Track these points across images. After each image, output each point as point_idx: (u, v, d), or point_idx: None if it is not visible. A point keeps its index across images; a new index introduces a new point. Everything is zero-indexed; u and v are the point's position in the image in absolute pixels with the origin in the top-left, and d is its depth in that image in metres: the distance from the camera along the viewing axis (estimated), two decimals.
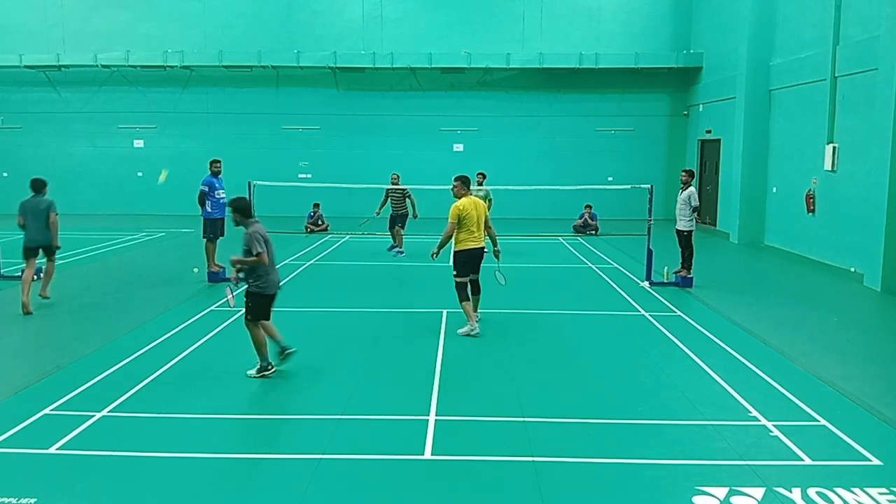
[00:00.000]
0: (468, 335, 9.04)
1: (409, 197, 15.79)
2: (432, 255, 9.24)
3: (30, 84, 24.04)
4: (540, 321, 9.97)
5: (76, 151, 24.41)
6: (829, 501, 4.94)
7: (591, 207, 20.17)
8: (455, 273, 9.13)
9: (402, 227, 15.81)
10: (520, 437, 5.99)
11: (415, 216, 15.83)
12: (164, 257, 15.57)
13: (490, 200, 14.92)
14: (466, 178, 9.36)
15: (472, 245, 9.05)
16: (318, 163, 23.82)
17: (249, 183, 12.84)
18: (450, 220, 9.01)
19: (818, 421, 6.38)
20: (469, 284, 9.18)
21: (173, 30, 23.59)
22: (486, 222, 9.21)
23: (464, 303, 9.12)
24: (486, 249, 9.26)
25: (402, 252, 15.60)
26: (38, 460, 5.51)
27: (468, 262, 9.11)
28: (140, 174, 24.37)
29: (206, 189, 12.40)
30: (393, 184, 15.81)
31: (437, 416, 6.42)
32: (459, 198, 9.16)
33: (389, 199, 15.87)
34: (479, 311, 9.41)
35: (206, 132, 24.09)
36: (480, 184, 15.71)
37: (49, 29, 23.66)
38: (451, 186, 9.32)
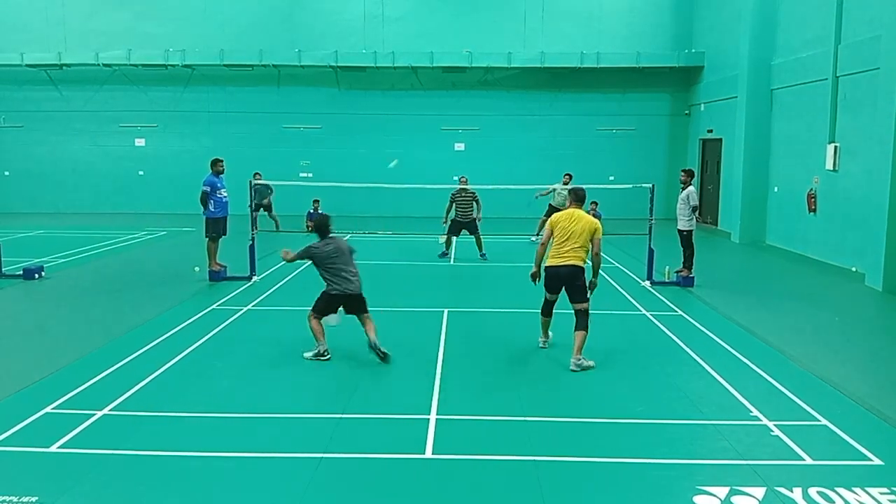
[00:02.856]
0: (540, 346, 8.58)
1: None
2: (532, 276, 8.30)
3: (31, 83, 24.03)
4: None
5: (77, 150, 24.39)
6: (830, 501, 4.94)
7: (596, 205, 20.03)
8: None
9: None
10: (521, 436, 5.99)
11: None
12: (164, 256, 15.55)
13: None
14: (577, 190, 8.17)
15: (550, 262, 8.02)
16: (319, 162, 23.80)
17: (250, 182, 12.84)
18: (545, 231, 8.27)
19: (819, 421, 6.38)
20: (575, 317, 7.96)
21: (175, 29, 23.58)
22: (594, 244, 7.92)
23: (541, 316, 8.47)
24: (576, 268, 7.92)
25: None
26: (40, 459, 5.51)
27: (545, 281, 8.16)
28: (141, 173, 24.40)
29: (209, 189, 12.31)
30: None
31: (437, 415, 6.42)
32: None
33: None
34: (581, 354, 7.81)
35: (208, 131, 24.09)
36: (566, 183, 15.72)
37: (50, 27, 23.65)
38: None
